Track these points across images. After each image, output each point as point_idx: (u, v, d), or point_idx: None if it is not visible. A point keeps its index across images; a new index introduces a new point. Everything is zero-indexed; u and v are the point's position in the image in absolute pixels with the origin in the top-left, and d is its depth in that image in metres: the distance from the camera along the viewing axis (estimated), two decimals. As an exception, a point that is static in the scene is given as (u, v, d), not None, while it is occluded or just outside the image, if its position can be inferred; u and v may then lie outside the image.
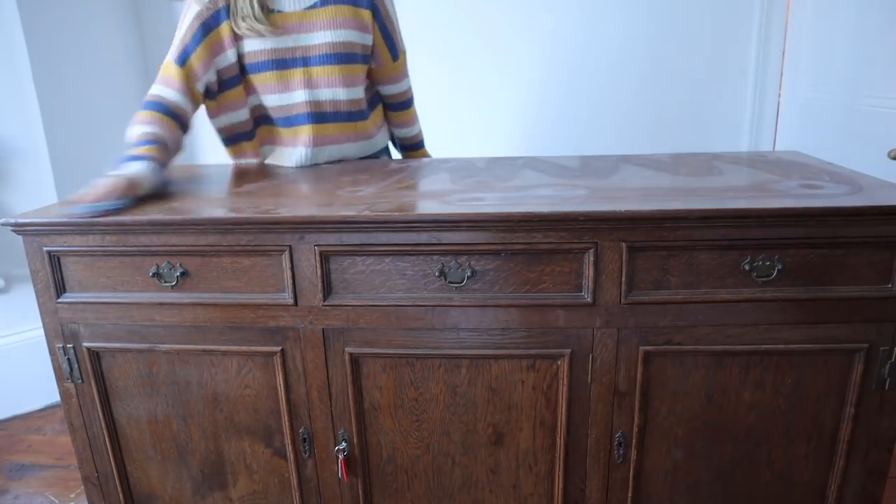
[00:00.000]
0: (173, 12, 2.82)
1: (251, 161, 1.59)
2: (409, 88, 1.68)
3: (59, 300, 1.17)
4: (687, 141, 2.59)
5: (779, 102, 2.54)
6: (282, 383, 1.18)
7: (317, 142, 1.50)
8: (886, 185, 1.14)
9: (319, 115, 1.49)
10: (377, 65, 1.56)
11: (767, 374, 1.11)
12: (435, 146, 2.80)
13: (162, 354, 1.19)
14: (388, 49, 1.55)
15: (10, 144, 2.45)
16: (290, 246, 1.09)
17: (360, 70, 1.51)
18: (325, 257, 1.10)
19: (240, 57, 1.44)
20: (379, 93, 1.64)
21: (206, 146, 3.00)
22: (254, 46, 1.42)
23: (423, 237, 1.06)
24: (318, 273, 1.10)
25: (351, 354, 1.15)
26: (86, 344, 1.19)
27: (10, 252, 2.51)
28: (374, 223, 1.06)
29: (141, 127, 1.33)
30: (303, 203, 1.17)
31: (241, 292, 1.14)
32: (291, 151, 1.52)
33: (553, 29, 2.61)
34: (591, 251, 1.05)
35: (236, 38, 1.42)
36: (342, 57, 1.46)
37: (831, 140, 2.16)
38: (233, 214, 1.09)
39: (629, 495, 1.19)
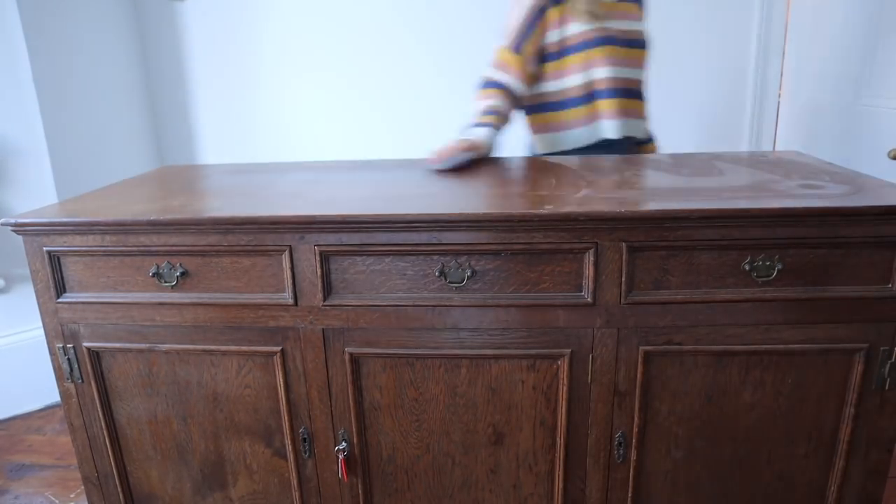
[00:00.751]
0: (173, 12, 2.82)
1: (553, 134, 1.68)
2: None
3: (59, 300, 1.17)
4: (687, 141, 2.59)
5: (779, 102, 2.54)
6: (282, 383, 1.18)
7: (621, 115, 1.62)
8: (886, 185, 1.14)
9: (620, 91, 1.62)
10: None
11: (767, 374, 1.11)
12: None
13: (162, 354, 1.19)
14: None
15: (10, 144, 2.45)
16: (290, 246, 1.09)
17: (643, 54, 1.67)
18: (325, 257, 1.10)
19: (562, 39, 1.58)
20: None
21: (207, 146, 3.00)
22: (576, 29, 1.56)
23: (423, 237, 1.06)
24: (319, 273, 1.10)
25: (351, 354, 1.15)
26: (86, 344, 1.19)
27: (10, 252, 2.51)
28: (374, 223, 1.06)
29: (485, 101, 1.57)
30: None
31: (242, 292, 1.14)
32: (599, 125, 1.62)
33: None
34: (591, 251, 1.05)
35: (562, 22, 1.57)
36: (633, 42, 1.63)
37: (831, 140, 2.16)
38: (233, 214, 1.09)
39: (629, 495, 1.19)
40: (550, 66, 1.61)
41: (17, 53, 2.33)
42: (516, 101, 1.61)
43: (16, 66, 2.34)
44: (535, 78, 1.62)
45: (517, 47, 1.56)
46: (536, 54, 1.59)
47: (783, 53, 2.49)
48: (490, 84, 1.59)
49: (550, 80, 1.63)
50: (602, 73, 1.58)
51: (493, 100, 1.56)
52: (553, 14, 1.56)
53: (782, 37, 2.48)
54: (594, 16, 1.55)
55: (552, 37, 1.58)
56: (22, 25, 2.29)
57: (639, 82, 1.67)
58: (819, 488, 1.17)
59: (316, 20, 2.75)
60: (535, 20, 1.56)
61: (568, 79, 1.61)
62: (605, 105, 1.60)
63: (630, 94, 1.64)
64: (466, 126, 1.53)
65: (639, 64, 1.66)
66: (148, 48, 2.89)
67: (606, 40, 1.57)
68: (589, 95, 1.61)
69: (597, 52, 1.56)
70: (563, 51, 1.59)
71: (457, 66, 2.71)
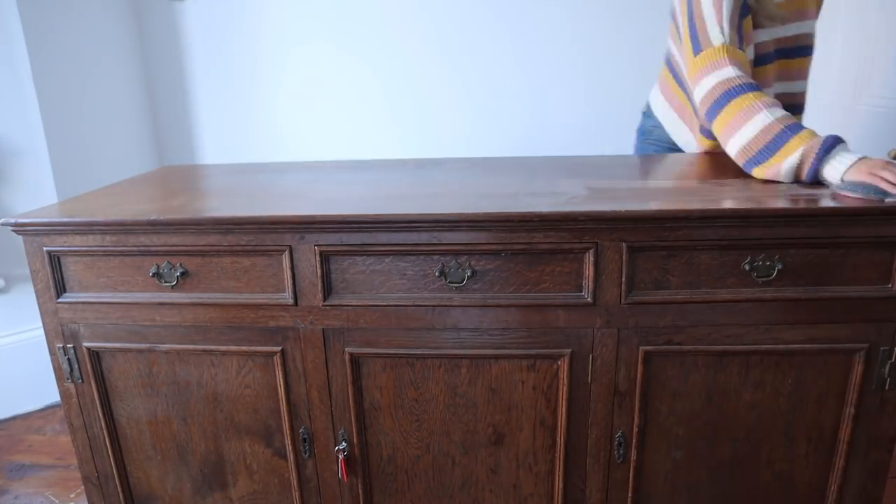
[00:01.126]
0: (174, 12, 2.82)
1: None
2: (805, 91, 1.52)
3: (59, 300, 1.17)
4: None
5: (779, 102, 2.53)
6: (282, 383, 1.18)
7: None
8: (886, 185, 1.14)
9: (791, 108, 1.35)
10: None
11: (767, 374, 1.11)
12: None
13: (162, 354, 1.19)
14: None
15: (10, 144, 2.46)
16: (290, 246, 1.09)
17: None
18: (325, 257, 1.10)
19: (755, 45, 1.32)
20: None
21: (207, 146, 3.00)
22: (761, 38, 1.31)
23: (423, 237, 1.06)
24: (319, 273, 1.10)
25: (351, 354, 1.15)
26: (86, 344, 1.19)
27: (10, 252, 2.51)
28: (374, 223, 1.06)
29: (773, 108, 1.15)
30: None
31: (242, 292, 1.14)
32: None
33: (552, 29, 2.61)
34: (592, 251, 1.05)
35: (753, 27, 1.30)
36: (809, 49, 1.38)
37: (831, 140, 2.16)
38: (233, 214, 1.09)
39: (629, 495, 1.19)
40: None
41: (17, 53, 2.33)
42: None
43: (16, 66, 2.35)
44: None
45: (733, 40, 1.22)
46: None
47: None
48: (751, 87, 1.18)
49: None
50: (781, 87, 1.35)
51: (771, 103, 1.16)
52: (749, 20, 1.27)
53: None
54: (772, 19, 1.28)
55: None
56: (22, 25, 2.29)
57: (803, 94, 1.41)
58: (819, 488, 1.17)
59: (316, 20, 2.75)
60: (743, 13, 1.25)
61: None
62: None
63: (797, 110, 1.40)
64: (825, 146, 1.08)
65: (806, 75, 1.40)
66: (148, 48, 2.89)
67: (780, 53, 1.32)
68: None
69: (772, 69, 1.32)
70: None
71: (457, 65, 2.72)
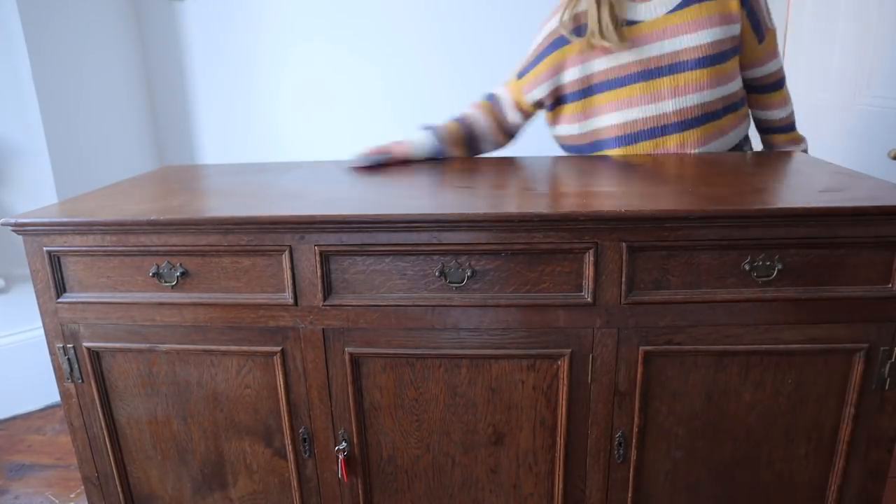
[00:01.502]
0: (174, 12, 2.82)
1: None
2: (780, 69, 1.53)
3: (59, 300, 1.17)
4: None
5: (779, 102, 2.53)
6: (282, 383, 1.18)
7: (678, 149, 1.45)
8: (886, 185, 1.14)
9: (674, 126, 1.43)
10: (741, 52, 1.45)
11: (767, 374, 1.11)
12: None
13: (162, 354, 1.19)
14: (753, 33, 1.43)
15: (10, 144, 2.46)
16: (290, 246, 1.09)
17: (731, 66, 1.41)
18: (325, 257, 1.10)
19: (590, 75, 1.42)
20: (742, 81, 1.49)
21: (207, 146, 3.00)
22: (608, 63, 1.40)
23: (423, 237, 1.06)
24: (319, 273, 1.10)
25: (351, 354, 1.15)
26: (86, 344, 1.19)
27: (10, 252, 2.51)
28: (374, 223, 1.06)
29: (465, 109, 1.56)
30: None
31: (242, 292, 1.14)
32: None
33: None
34: (592, 251, 1.05)
35: (587, 56, 1.41)
36: (713, 59, 1.37)
37: (831, 140, 2.16)
38: (233, 214, 1.09)
39: (629, 495, 1.19)
40: (571, 108, 1.46)
41: (17, 53, 2.33)
42: (500, 120, 1.56)
43: (16, 66, 2.35)
44: (527, 113, 1.55)
45: (520, 73, 1.51)
46: (537, 88, 1.48)
47: (783, 53, 2.49)
48: (486, 97, 1.57)
49: (573, 123, 1.48)
50: (663, 107, 1.40)
51: (471, 108, 1.56)
52: (574, 48, 1.41)
53: (782, 37, 2.48)
54: (608, 48, 1.37)
55: (572, 74, 1.42)
56: (22, 25, 2.29)
57: (711, 104, 1.41)
58: (819, 488, 1.17)
59: (316, 19, 2.75)
60: (547, 53, 1.44)
61: (598, 119, 1.44)
62: (669, 142, 1.43)
63: (692, 123, 1.42)
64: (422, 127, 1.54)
65: (719, 82, 1.39)
66: (148, 48, 2.89)
67: (643, 75, 1.38)
68: (623, 138, 1.44)
69: (633, 90, 1.39)
70: (588, 88, 1.43)
71: (459, 65, 2.72)
